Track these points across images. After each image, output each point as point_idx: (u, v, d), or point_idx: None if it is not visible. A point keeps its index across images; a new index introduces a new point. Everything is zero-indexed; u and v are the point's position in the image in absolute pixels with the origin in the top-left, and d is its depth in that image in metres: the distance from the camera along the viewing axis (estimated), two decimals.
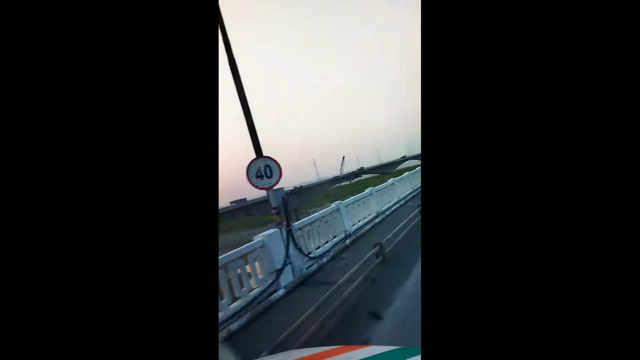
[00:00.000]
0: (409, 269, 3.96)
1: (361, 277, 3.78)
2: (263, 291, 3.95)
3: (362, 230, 6.66)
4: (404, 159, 63.52)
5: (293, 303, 3.87)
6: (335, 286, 3.59)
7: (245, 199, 43.87)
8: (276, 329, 2.84)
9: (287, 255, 4.27)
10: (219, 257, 3.50)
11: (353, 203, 7.00)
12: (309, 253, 5.03)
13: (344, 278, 3.74)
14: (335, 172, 68.10)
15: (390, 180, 9.53)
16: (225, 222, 36.03)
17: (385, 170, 54.94)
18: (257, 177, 4.39)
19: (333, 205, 6.35)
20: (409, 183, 10.80)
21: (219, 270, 3.43)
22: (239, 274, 3.79)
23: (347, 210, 6.62)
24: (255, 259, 4.07)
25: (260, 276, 4.12)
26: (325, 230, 5.74)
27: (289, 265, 4.28)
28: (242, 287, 3.82)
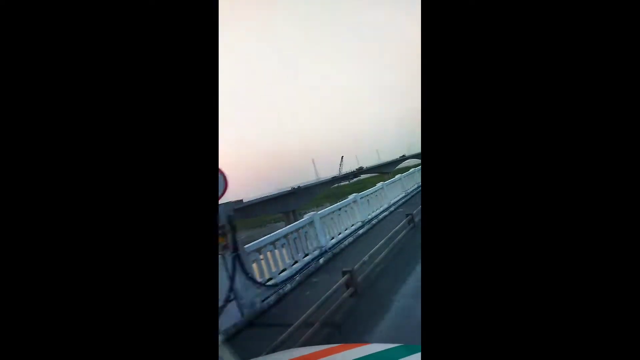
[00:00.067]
0: (387, 304, 3.09)
1: (318, 322, 2.88)
2: None
3: (343, 244, 5.75)
4: (404, 158, 62.39)
5: None
6: (286, 334, 2.72)
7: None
8: None
9: (230, 289, 3.37)
10: None
11: (332, 213, 6.10)
12: (269, 280, 4.13)
13: (300, 320, 2.86)
14: (335, 172, 67.23)
15: (379, 184, 8.60)
16: None
17: (384, 170, 53.86)
18: None
19: (306, 217, 5.44)
20: (401, 187, 9.88)
21: None
22: None
23: (324, 222, 5.72)
24: None
25: None
26: (294, 248, 4.84)
27: (233, 302, 3.38)
28: None
